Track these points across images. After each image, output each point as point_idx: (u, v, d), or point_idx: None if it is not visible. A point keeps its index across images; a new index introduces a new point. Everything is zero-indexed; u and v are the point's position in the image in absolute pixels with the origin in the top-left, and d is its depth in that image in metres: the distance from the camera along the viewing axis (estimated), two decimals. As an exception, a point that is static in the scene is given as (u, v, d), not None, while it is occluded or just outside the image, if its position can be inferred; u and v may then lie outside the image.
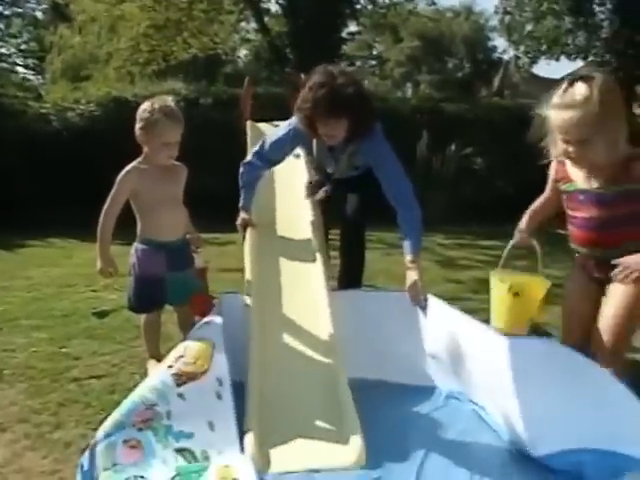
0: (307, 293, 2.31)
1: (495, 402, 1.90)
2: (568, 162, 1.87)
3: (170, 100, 2.19)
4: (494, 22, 18.68)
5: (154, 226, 2.18)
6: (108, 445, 1.47)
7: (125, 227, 2.23)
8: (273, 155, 2.56)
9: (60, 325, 2.93)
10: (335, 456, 1.59)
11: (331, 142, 2.38)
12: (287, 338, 2.13)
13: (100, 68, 11.47)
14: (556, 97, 1.74)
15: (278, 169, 2.99)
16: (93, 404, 2.01)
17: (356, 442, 1.61)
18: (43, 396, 2.08)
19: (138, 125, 2.12)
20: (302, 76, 3.52)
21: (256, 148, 2.58)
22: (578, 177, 1.87)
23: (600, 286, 1.89)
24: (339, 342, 2.03)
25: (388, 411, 1.95)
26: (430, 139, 7.36)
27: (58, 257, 4.91)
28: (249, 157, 2.61)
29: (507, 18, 13.28)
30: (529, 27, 11.86)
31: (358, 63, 23.66)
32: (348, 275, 2.69)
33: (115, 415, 1.55)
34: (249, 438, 1.60)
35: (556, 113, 1.73)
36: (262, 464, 1.54)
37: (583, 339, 1.89)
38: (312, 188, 2.83)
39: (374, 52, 24.05)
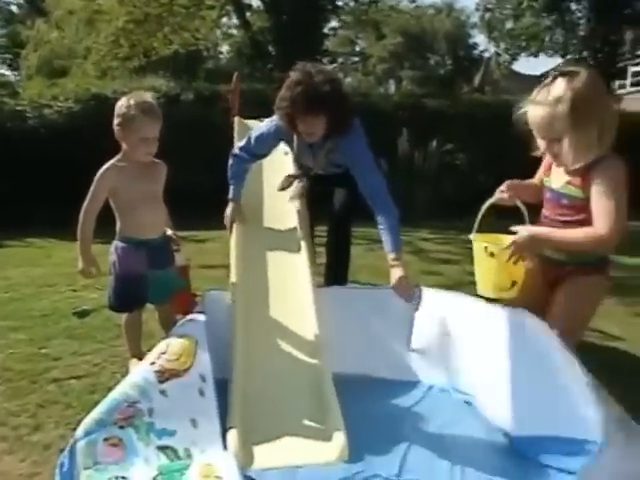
0: (292, 289, 2.31)
1: (482, 387, 1.93)
2: (548, 159, 1.91)
3: (148, 96, 2.17)
4: (475, 19, 18.85)
5: (134, 224, 2.15)
6: (89, 443, 1.44)
7: (104, 225, 2.19)
8: (258, 149, 2.59)
9: (39, 325, 2.88)
10: (318, 452, 1.59)
11: (310, 139, 2.41)
12: (271, 335, 2.12)
13: (78, 63, 11.25)
14: (535, 91, 1.72)
15: (266, 165, 2.98)
16: (73, 405, 1.98)
17: (339, 438, 1.62)
18: (21, 398, 2.04)
19: (116, 121, 2.09)
20: (290, 73, 3.50)
21: (243, 141, 2.61)
22: (554, 173, 1.87)
23: (552, 286, 1.92)
24: (323, 338, 2.03)
25: (372, 405, 1.96)
26: (412, 135, 7.41)
27: (37, 257, 4.82)
28: (236, 149, 2.64)
29: (488, 15, 13.42)
30: (509, 24, 12.00)
31: (340, 59, 23.65)
32: (334, 271, 2.70)
33: (96, 412, 1.53)
34: (232, 435, 1.59)
35: (531, 108, 1.72)
36: (245, 461, 1.54)
37: None
38: (287, 181, 2.84)
39: (357, 48, 24.06)
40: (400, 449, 1.68)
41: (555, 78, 1.66)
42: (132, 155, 2.12)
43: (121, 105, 2.09)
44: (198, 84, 8.86)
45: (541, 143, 1.75)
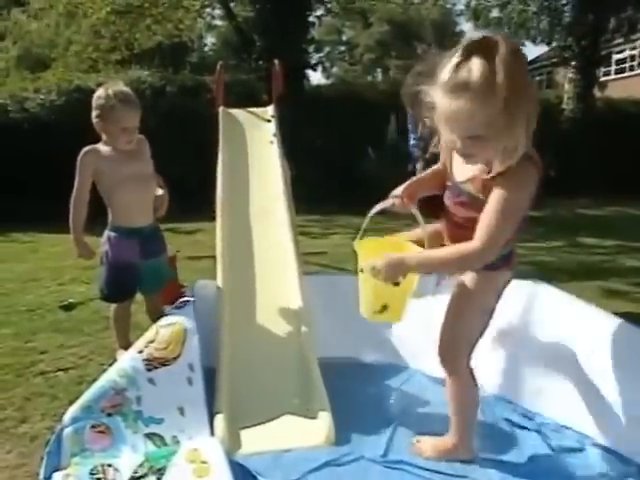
0: (279, 277, 2.31)
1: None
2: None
3: (123, 84, 2.17)
4: (461, 7, 18.84)
5: (123, 209, 2.14)
6: (76, 430, 1.45)
7: (95, 218, 2.19)
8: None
9: (25, 320, 2.85)
10: (305, 435, 1.60)
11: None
12: (258, 322, 2.13)
13: (60, 55, 11.04)
14: (445, 73, 1.25)
15: (252, 155, 2.96)
16: (60, 396, 1.97)
17: (325, 421, 1.63)
18: (7, 391, 2.03)
19: (94, 114, 2.09)
20: (276, 63, 3.47)
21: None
22: (456, 161, 1.47)
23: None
24: (309, 324, 2.04)
25: (358, 389, 1.98)
26: (399, 123, 7.41)
27: (22, 252, 4.77)
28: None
29: (474, 3, 13.39)
30: (495, 13, 12.00)
31: (327, 48, 23.52)
32: None
33: (83, 400, 1.53)
34: (219, 420, 1.60)
35: (445, 97, 1.25)
36: (232, 446, 1.55)
37: None
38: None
39: (343, 37, 23.91)
40: (387, 431, 1.70)
41: (469, 54, 1.21)
42: (113, 144, 2.11)
43: (99, 96, 2.09)
44: (183, 76, 8.78)
45: (455, 141, 1.31)
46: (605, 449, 1.63)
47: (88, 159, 2.09)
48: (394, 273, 1.36)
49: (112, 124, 2.06)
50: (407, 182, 1.57)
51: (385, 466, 1.53)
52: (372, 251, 1.44)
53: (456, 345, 1.52)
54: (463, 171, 1.44)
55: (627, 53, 16.32)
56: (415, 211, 1.52)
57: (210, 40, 20.68)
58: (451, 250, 1.40)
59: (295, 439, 1.59)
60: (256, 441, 1.59)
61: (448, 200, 1.51)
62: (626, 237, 5.32)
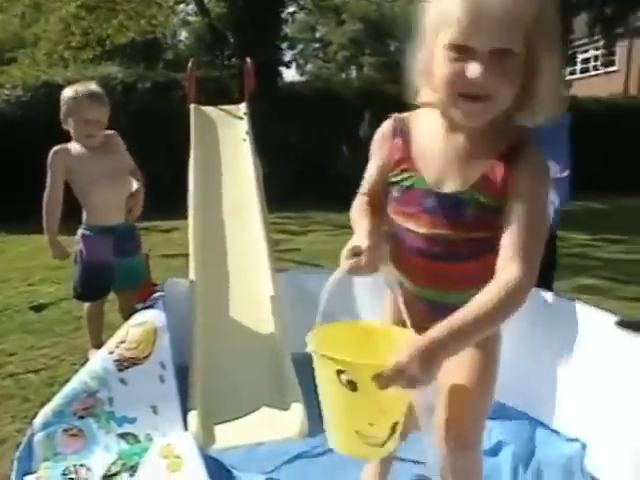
0: (252, 274, 2.32)
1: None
2: (419, 134, 0.99)
3: (94, 84, 2.17)
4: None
5: (97, 208, 2.13)
6: (47, 435, 1.44)
7: (66, 217, 2.16)
8: None
9: (-7, 322, 2.80)
10: (278, 428, 1.63)
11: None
12: (231, 318, 2.14)
13: (27, 51, 10.72)
14: None
15: (224, 153, 2.96)
16: (31, 398, 1.94)
17: (298, 414, 1.66)
18: (-24, 394, 1.99)
19: (62, 110, 2.10)
20: (247, 60, 3.47)
21: None
22: (429, 167, 0.97)
23: None
24: (282, 320, 2.06)
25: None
26: (373, 120, 7.48)
27: (-11, 252, 4.64)
28: None
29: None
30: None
31: (301, 45, 23.47)
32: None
33: (54, 404, 1.52)
34: (192, 416, 1.62)
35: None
36: (206, 441, 1.57)
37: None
38: None
39: (317, 35, 23.89)
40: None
41: None
42: (77, 139, 2.10)
43: (65, 92, 2.11)
44: (155, 72, 8.67)
45: (448, 76, 0.84)
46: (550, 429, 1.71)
47: (58, 158, 2.08)
48: (429, 368, 0.81)
49: (73, 116, 2.07)
50: (362, 229, 0.98)
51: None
52: (344, 345, 0.94)
53: (483, 414, 1.04)
54: (444, 177, 0.95)
55: (592, 53, 16.80)
56: (389, 270, 1.00)
57: (184, 35, 20.41)
58: (489, 296, 0.85)
59: (269, 432, 1.62)
60: (230, 435, 1.61)
61: (428, 223, 0.97)
62: (594, 231, 5.50)
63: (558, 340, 1.79)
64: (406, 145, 0.98)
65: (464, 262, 0.94)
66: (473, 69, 0.79)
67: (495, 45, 0.79)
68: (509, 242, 0.87)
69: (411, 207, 0.97)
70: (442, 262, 0.96)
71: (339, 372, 0.85)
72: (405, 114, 1.01)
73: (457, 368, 1.00)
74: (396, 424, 0.90)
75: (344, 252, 0.96)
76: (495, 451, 1.62)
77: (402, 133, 0.99)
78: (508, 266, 0.86)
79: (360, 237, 0.97)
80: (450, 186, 0.93)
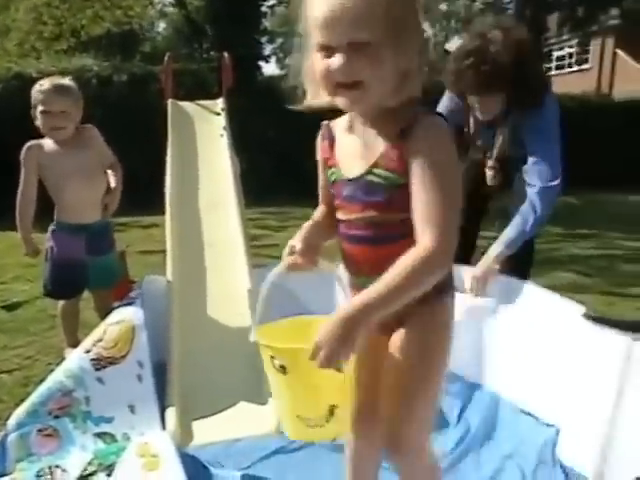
0: (228, 270, 2.32)
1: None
2: (338, 133, 1.05)
3: (67, 79, 2.15)
4: None
5: (70, 206, 2.10)
6: (21, 436, 1.43)
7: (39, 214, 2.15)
8: None
9: (-35, 321, 2.74)
10: (255, 424, 1.65)
11: (484, 117, 2.00)
12: (208, 314, 2.15)
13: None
14: None
15: (201, 148, 2.94)
16: (4, 399, 1.91)
17: (274, 410, 1.67)
18: (-53, 396, 1.95)
19: (32, 105, 2.08)
20: (225, 55, 3.43)
21: None
22: (343, 159, 1.04)
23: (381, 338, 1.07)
24: (259, 315, 2.06)
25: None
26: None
27: (-41, 250, 4.52)
28: None
29: (424, -4, 13.62)
30: (443, 6, 12.27)
31: (280, 39, 23.30)
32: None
33: (28, 403, 1.51)
34: (170, 414, 1.62)
35: None
36: (184, 438, 1.57)
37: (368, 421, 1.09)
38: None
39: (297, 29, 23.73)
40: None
41: None
42: (45, 133, 2.08)
43: (34, 88, 2.09)
44: (132, 64, 8.51)
45: (329, 67, 0.91)
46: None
47: (31, 154, 2.06)
48: (344, 343, 0.84)
49: (37, 108, 2.05)
50: (301, 229, 1.08)
51: (334, 452, 1.59)
52: (287, 336, 0.98)
53: (426, 418, 1.02)
54: (352, 163, 1.01)
55: (566, 51, 17.13)
56: (325, 263, 1.06)
57: (162, 27, 20.05)
58: (404, 264, 0.88)
59: (246, 428, 1.63)
60: (207, 432, 1.62)
61: (348, 212, 1.03)
62: (568, 225, 5.63)
63: (531, 327, 1.85)
64: (331, 145, 1.07)
65: (398, 243, 0.94)
66: (334, 62, 0.90)
67: (350, 39, 0.89)
68: (418, 216, 0.92)
69: (338, 199, 1.06)
70: (378, 245, 0.99)
71: (272, 358, 0.90)
72: (335, 120, 1.09)
73: (394, 362, 1.01)
74: (334, 406, 0.91)
75: (285, 250, 1.06)
76: (467, 434, 1.69)
77: (328, 135, 1.08)
78: (420, 238, 0.91)
79: (296, 237, 1.06)
80: (354, 172, 1.00)
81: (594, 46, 16.08)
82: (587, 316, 1.65)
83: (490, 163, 2.31)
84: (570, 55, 17.11)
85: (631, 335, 1.49)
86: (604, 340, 1.54)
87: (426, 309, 1.00)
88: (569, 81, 15.26)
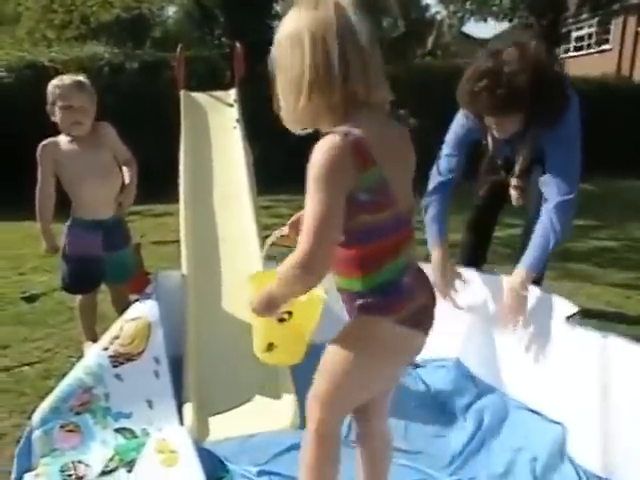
0: (242, 263, 2.34)
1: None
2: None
3: (81, 77, 2.15)
4: (426, -20, 18.71)
5: (86, 202, 2.12)
6: (45, 432, 1.47)
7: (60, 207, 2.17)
8: (449, 160, 2.07)
9: (-15, 313, 2.80)
10: (271, 419, 1.67)
11: (501, 136, 1.95)
12: (223, 308, 2.17)
13: (8, 29, 10.39)
14: None
15: (215, 140, 2.94)
16: (27, 392, 1.96)
17: (291, 405, 1.70)
18: (-29, 389, 2.01)
19: (48, 102, 2.08)
20: (237, 45, 3.40)
21: (436, 165, 2.12)
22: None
23: None
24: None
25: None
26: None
27: (-23, 240, 4.60)
28: (432, 178, 2.10)
29: (438, -23, 13.32)
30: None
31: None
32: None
33: (50, 400, 1.55)
34: (187, 409, 1.65)
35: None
36: (200, 433, 1.61)
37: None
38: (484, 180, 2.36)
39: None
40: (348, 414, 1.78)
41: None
42: (63, 128, 2.09)
43: (51, 84, 2.09)
44: (143, 51, 8.48)
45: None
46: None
47: (47, 153, 2.07)
48: (267, 308, 1.06)
49: (57, 104, 2.05)
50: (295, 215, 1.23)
51: (348, 447, 1.62)
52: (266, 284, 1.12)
53: (327, 404, 1.12)
54: None
55: (585, 31, 16.66)
56: None
57: (172, 11, 19.88)
58: (285, 264, 1.00)
59: (261, 424, 1.66)
60: (224, 427, 1.65)
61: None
62: (585, 215, 5.53)
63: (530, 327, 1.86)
64: None
65: (352, 248, 1.03)
66: None
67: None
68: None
69: None
70: (342, 247, 1.03)
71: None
72: None
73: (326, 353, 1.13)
74: (271, 344, 1.18)
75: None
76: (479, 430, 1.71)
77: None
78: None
79: (295, 216, 1.23)
80: None
81: (615, 26, 15.60)
82: (576, 316, 1.69)
83: (514, 182, 2.27)
84: (590, 35, 16.64)
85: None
86: (579, 338, 1.61)
87: (355, 320, 1.08)
88: (588, 63, 14.87)
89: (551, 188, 1.86)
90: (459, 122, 2.06)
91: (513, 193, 2.30)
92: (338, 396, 1.10)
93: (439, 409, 1.89)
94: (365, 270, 1.02)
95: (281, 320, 1.12)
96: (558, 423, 1.70)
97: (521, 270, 1.84)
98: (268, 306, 1.07)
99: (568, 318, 1.69)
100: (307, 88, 0.97)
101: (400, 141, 1.06)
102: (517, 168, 2.19)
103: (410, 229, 1.06)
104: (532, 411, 1.79)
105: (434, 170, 2.10)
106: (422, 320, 1.07)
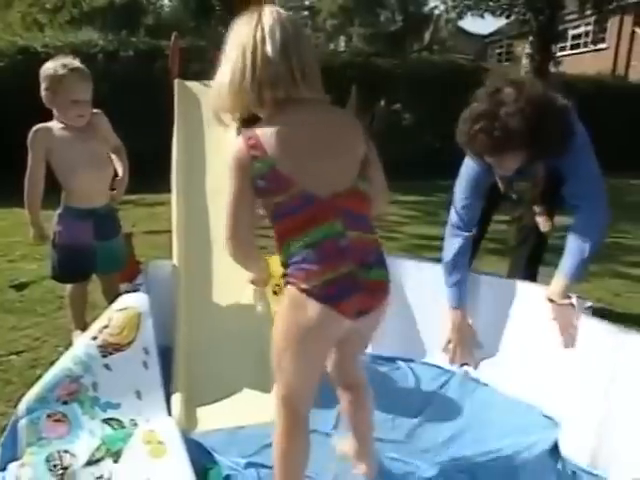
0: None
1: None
2: None
3: (73, 59, 2.08)
4: (424, -27, 18.59)
5: (78, 190, 2.09)
6: (31, 421, 1.46)
7: (49, 193, 2.14)
8: (468, 210, 1.99)
9: (-27, 301, 2.77)
10: (260, 412, 1.66)
11: (503, 173, 1.92)
12: (214, 300, 2.16)
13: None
14: None
15: (208, 129, 2.91)
16: (14, 381, 1.95)
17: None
18: (-43, 376, 1.99)
19: (43, 85, 2.01)
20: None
21: (451, 216, 2.04)
22: None
23: None
24: (265, 302, 2.08)
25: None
26: (360, 93, 7.39)
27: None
28: (448, 233, 2.03)
29: (437, -29, 13.22)
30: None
31: (290, 13, 22.84)
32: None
33: (37, 389, 1.53)
34: (175, 400, 1.65)
35: None
36: (189, 424, 1.60)
37: None
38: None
39: (306, 2, 23.24)
40: (336, 405, 1.77)
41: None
42: (64, 119, 2.04)
43: (47, 67, 2.01)
44: (137, 39, 8.37)
45: None
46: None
47: (39, 138, 2.02)
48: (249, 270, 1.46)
49: (61, 96, 1.99)
50: None
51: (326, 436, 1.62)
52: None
53: (280, 371, 1.24)
54: None
55: (582, 29, 16.67)
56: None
57: (166, 1, 19.64)
58: None
59: (250, 416, 1.65)
60: (212, 419, 1.65)
61: None
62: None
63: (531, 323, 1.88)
64: None
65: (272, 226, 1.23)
66: None
67: None
68: None
69: None
70: None
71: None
72: None
73: None
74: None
75: None
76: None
77: None
78: None
79: None
80: None
81: (611, 25, 15.62)
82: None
83: (537, 210, 2.25)
84: (586, 34, 16.64)
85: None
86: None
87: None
88: (584, 61, 14.91)
89: (580, 199, 1.82)
90: (469, 165, 1.98)
91: (539, 220, 2.28)
92: (283, 368, 1.22)
93: (427, 400, 1.91)
94: (280, 244, 1.19)
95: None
96: (550, 418, 1.72)
97: (560, 279, 1.79)
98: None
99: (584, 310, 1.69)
100: (230, 86, 1.17)
101: (330, 128, 1.20)
102: (533, 194, 2.15)
103: (324, 208, 1.15)
104: (525, 405, 1.82)
105: (453, 222, 2.01)
106: (337, 295, 1.14)
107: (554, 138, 1.71)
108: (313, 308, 1.13)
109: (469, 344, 1.97)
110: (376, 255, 1.20)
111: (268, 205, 1.19)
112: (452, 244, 1.99)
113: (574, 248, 1.79)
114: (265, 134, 1.14)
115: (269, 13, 1.18)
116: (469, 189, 1.98)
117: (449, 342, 2.00)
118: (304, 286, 1.13)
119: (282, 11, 1.21)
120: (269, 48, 1.13)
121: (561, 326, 1.75)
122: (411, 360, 2.14)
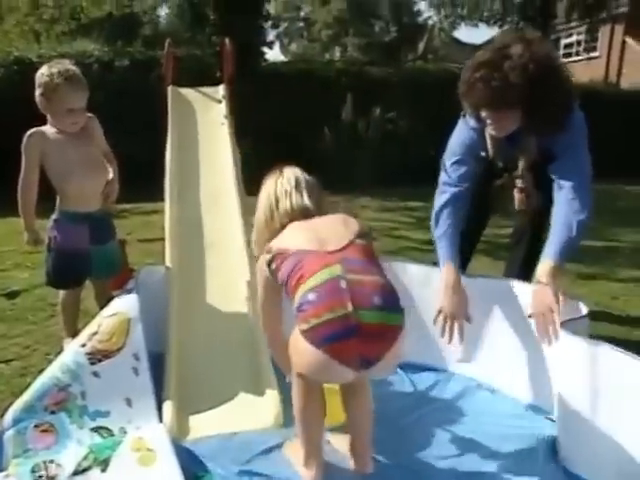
0: (229, 261, 2.30)
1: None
2: None
3: (70, 64, 2.06)
4: (418, -16, 18.83)
5: (73, 195, 2.07)
6: (18, 432, 1.42)
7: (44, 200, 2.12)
8: (458, 168, 1.93)
9: (-36, 309, 2.73)
10: (254, 418, 1.63)
11: (496, 134, 1.83)
12: (207, 306, 2.12)
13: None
14: None
15: (202, 135, 2.90)
16: (1, 389, 1.91)
17: (274, 403, 1.66)
18: (-55, 386, 1.95)
19: (38, 92, 2.00)
20: (226, 42, 3.37)
21: (441, 174, 1.99)
22: None
23: None
24: (258, 307, 2.05)
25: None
26: (355, 102, 7.42)
27: (-41, 236, 4.50)
28: (439, 190, 1.96)
29: (430, -18, 13.41)
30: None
31: (285, 24, 23.03)
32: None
33: (25, 398, 1.50)
34: (167, 407, 1.61)
35: None
36: (179, 432, 1.56)
37: None
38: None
39: (302, 13, 23.42)
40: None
41: None
42: (58, 126, 2.02)
43: (42, 74, 1.99)
44: (134, 49, 8.41)
45: None
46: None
47: (34, 142, 2.00)
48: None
49: (56, 104, 1.97)
50: None
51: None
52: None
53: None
54: None
55: (574, 38, 16.84)
56: None
57: (164, 11, 19.78)
58: None
59: (244, 422, 1.62)
60: (205, 426, 1.61)
61: None
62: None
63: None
64: None
65: None
66: None
67: None
68: None
69: None
70: None
71: None
72: None
73: None
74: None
75: None
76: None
77: None
78: None
79: None
80: None
81: (602, 34, 15.79)
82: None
83: (519, 184, 2.16)
84: (578, 42, 16.81)
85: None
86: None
87: None
88: (576, 69, 14.97)
89: (567, 177, 1.76)
90: (461, 128, 1.96)
91: (517, 196, 2.21)
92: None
93: (423, 401, 1.88)
94: (293, 298, 1.30)
95: None
96: (550, 418, 1.71)
97: (545, 262, 1.70)
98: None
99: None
100: (262, 221, 1.52)
101: (326, 220, 1.43)
102: (520, 168, 2.07)
103: (324, 257, 1.29)
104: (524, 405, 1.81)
105: (442, 180, 1.95)
106: (330, 336, 1.15)
107: (552, 104, 1.64)
108: (311, 354, 1.17)
109: (462, 314, 1.79)
110: (382, 298, 1.17)
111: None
112: (439, 200, 1.94)
113: (561, 225, 1.71)
114: (285, 236, 1.41)
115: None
116: (459, 148, 1.93)
117: (439, 312, 1.81)
118: (304, 327, 1.17)
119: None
120: (286, 196, 1.51)
121: (538, 309, 1.63)
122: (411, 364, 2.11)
